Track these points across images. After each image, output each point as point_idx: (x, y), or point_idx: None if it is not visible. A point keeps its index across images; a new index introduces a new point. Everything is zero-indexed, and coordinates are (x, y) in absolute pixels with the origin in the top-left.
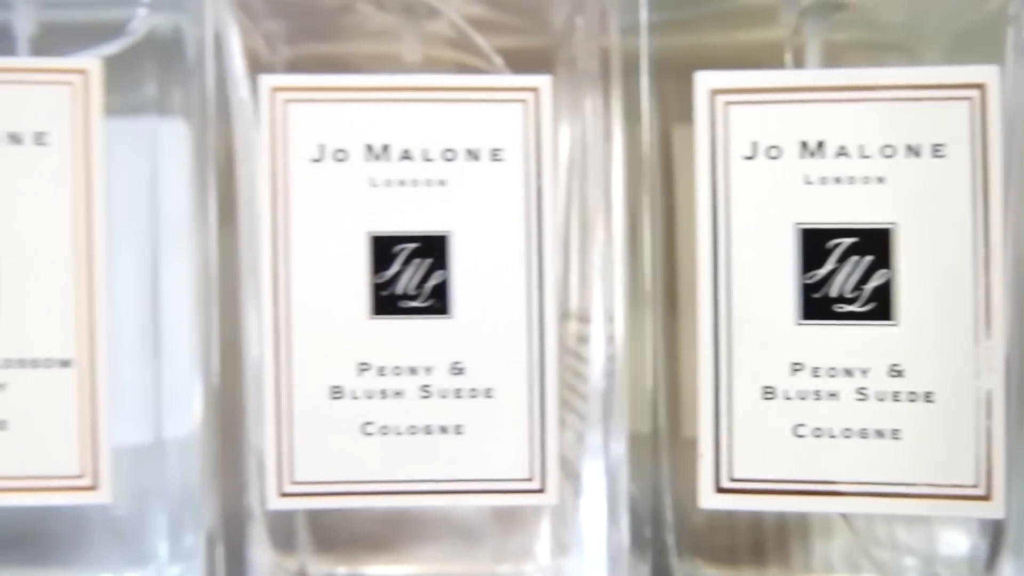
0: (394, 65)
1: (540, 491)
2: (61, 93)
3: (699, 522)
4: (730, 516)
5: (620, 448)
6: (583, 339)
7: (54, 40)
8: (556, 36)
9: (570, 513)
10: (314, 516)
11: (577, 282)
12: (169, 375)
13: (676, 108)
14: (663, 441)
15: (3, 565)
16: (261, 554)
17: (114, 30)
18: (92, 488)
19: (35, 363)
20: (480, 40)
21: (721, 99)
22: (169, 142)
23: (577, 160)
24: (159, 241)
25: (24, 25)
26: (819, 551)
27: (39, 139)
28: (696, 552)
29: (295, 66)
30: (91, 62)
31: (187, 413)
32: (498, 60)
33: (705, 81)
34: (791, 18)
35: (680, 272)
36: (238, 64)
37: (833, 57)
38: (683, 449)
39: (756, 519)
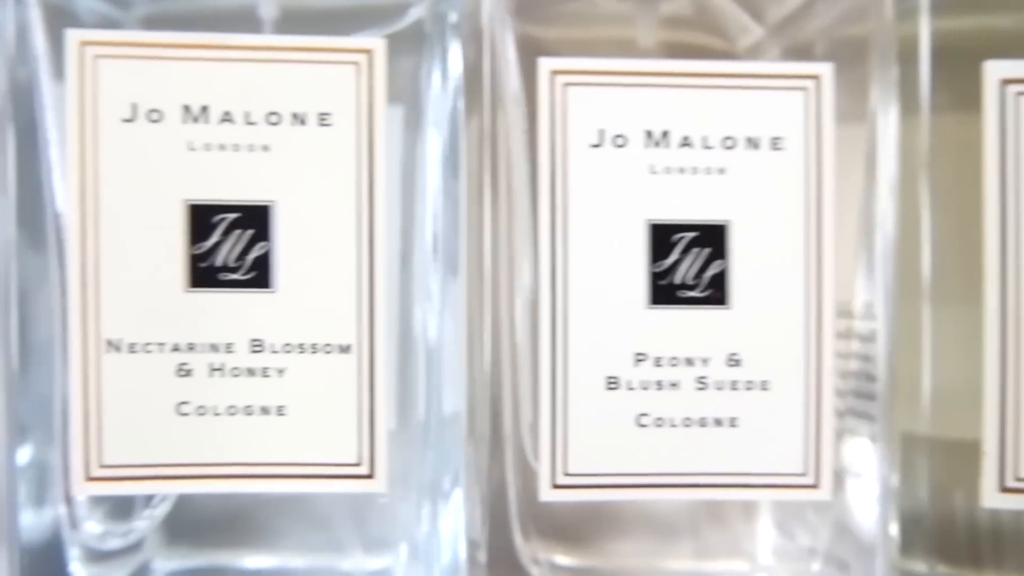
0: (628, 50)
1: (814, 487)
2: (345, 73)
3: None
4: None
5: (889, 448)
6: (858, 335)
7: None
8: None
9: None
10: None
11: (853, 275)
12: (433, 362)
13: (950, 97)
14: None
15: (268, 542)
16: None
17: (388, 15)
18: (369, 476)
19: (315, 348)
20: (741, 14)
21: (1012, 89)
22: (430, 129)
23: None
24: (423, 226)
25: (268, 10)
26: None
27: (323, 120)
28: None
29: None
30: (376, 42)
31: (451, 401)
32: (756, 30)
33: (995, 70)
34: None
35: (942, 266)
36: (510, 49)
37: None
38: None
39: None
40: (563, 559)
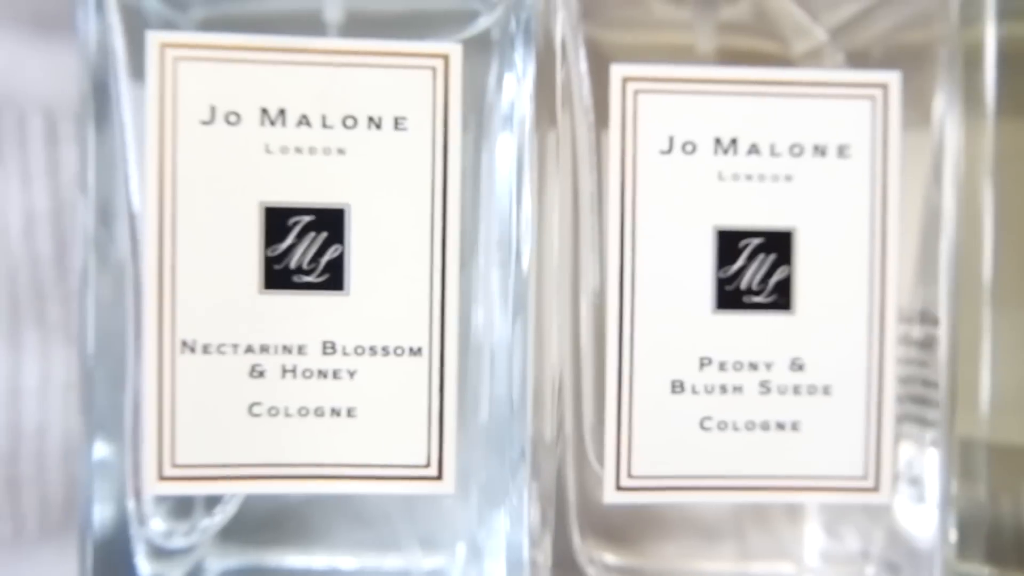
0: (686, 56)
1: (874, 489)
2: (422, 77)
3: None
4: None
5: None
6: (920, 341)
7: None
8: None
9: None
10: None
11: (917, 281)
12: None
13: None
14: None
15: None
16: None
17: (461, 22)
18: (437, 478)
19: (386, 351)
20: (803, 17)
21: None
22: (500, 134)
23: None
24: (490, 229)
25: (333, 13)
26: None
27: (398, 124)
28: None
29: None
30: (452, 47)
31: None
32: (821, 34)
33: None
34: None
35: (1005, 270)
36: (581, 55)
37: None
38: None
39: None
40: (612, 559)
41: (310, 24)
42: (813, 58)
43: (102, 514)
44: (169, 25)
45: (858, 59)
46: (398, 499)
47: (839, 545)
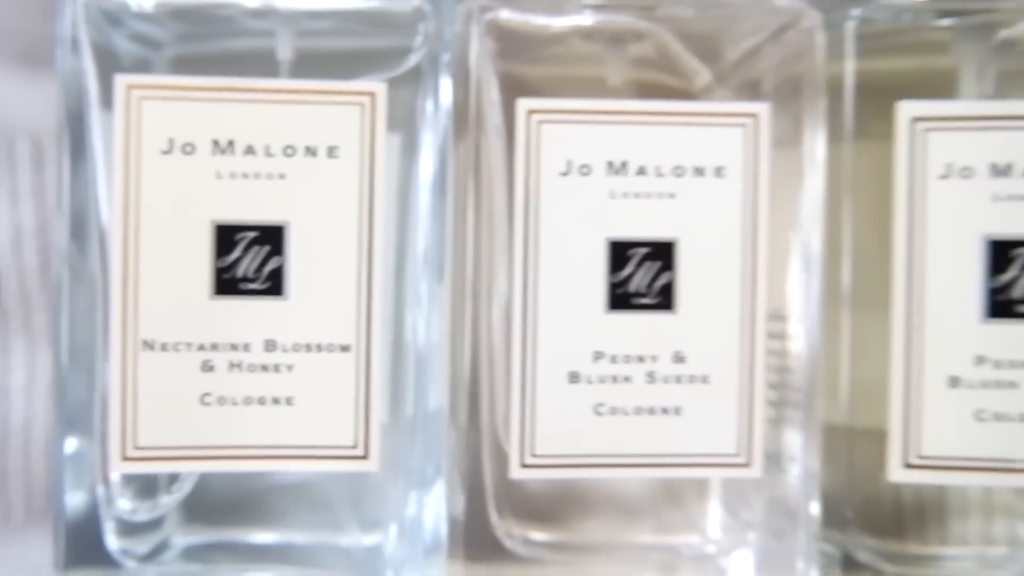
0: (598, 88)
1: (746, 465)
2: (352, 112)
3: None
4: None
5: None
6: (782, 336)
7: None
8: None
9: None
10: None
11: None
12: (421, 359)
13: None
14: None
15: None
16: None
17: (394, 58)
18: (364, 458)
19: (320, 348)
20: (694, 61)
21: (920, 126)
22: (423, 155)
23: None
24: (415, 240)
25: (284, 52)
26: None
27: (331, 152)
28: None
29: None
30: (379, 86)
31: (435, 395)
32: (707, 76)
33: (907, 110)
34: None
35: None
36: (494, 88)
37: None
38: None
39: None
40: (538, 535)
41: (265, 61)
42: (710, 91)
43: (75, 499)
44: (144, 63)
45: (750, 89)
46: (342, 485)
47: (734, 518)
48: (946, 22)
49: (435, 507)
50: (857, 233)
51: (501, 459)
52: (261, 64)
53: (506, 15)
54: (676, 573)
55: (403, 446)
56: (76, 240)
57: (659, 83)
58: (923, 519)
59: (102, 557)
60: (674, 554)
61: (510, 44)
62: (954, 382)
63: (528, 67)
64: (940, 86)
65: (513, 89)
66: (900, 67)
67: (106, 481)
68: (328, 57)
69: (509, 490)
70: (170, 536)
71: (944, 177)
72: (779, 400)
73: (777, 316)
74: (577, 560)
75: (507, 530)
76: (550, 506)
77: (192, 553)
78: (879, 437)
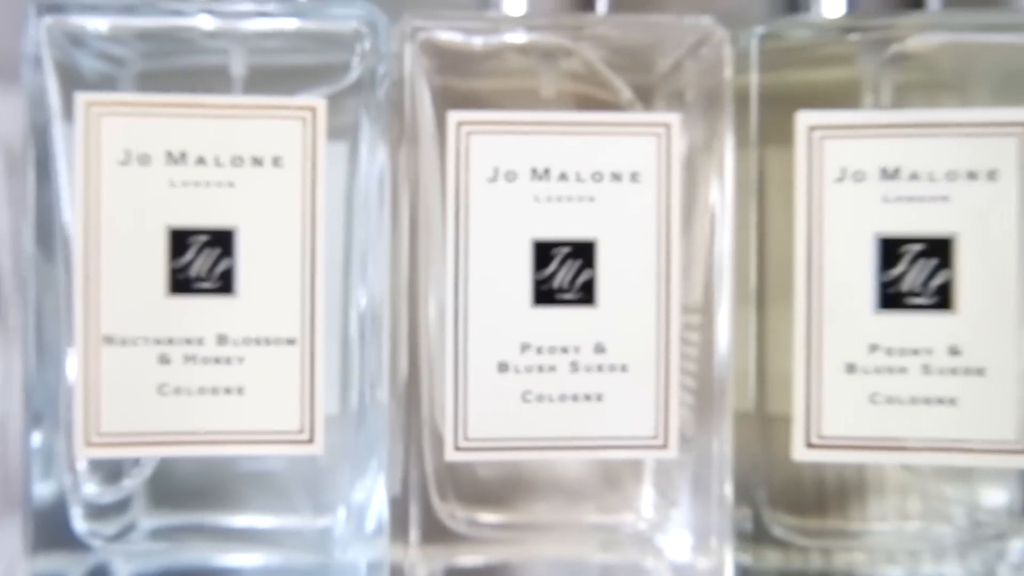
0: (532, 100)
1: (663, 447)
2: (294, 125)
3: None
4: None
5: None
6: (693, 327)
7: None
8: (659, 76)
9: (680, 473)
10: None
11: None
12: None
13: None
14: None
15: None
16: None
17: (334, 73)
18: (309, 442)
19: (267, 341)
20: (615, 79)
21: (817, 133)
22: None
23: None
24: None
25: (238, 69)
26: (878, 503)
27: (276, 162)
28: (781, 505)
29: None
30: (319, 101)
31: (374, 385)
32: (628, 93)
33: (805, 119)
34: (870, 64)
35: (771, 273)
36: (427, 100)
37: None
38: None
39: (825, 478)
40: (484, 517)
41: (221, 77)
42: (632, 105)
43: (44, 488)
44: (110, 79)
45: (678, 99)
46: (297, 474)
47: (664, 498)
48: (850, 38)
49: (380, 492)
50: (767, 233)
51: (440, 445)
52: (217, 79)
53: (441, 34)
54: (615, 549)
55: (350, 436)
56: (42, 244)
57: (591, 95)
58: (832, 496)
59: (70, 540)
60: (613, 532)
61: (447, 60)
62: (851, 368)
63: (466, 81)
64: (847, 97)
65: (453, 102)
66: (808, 79)
67: (72, 468)
68: (277, 72)
69: (458, 475)
70: (137, 519)
71: (839, 180)
72: (696, 388)
73: (692, 310)
74: (521, 539)
75: (450, 512)
76: (499, 491)
77: (158, 534)
78: (781, 421)
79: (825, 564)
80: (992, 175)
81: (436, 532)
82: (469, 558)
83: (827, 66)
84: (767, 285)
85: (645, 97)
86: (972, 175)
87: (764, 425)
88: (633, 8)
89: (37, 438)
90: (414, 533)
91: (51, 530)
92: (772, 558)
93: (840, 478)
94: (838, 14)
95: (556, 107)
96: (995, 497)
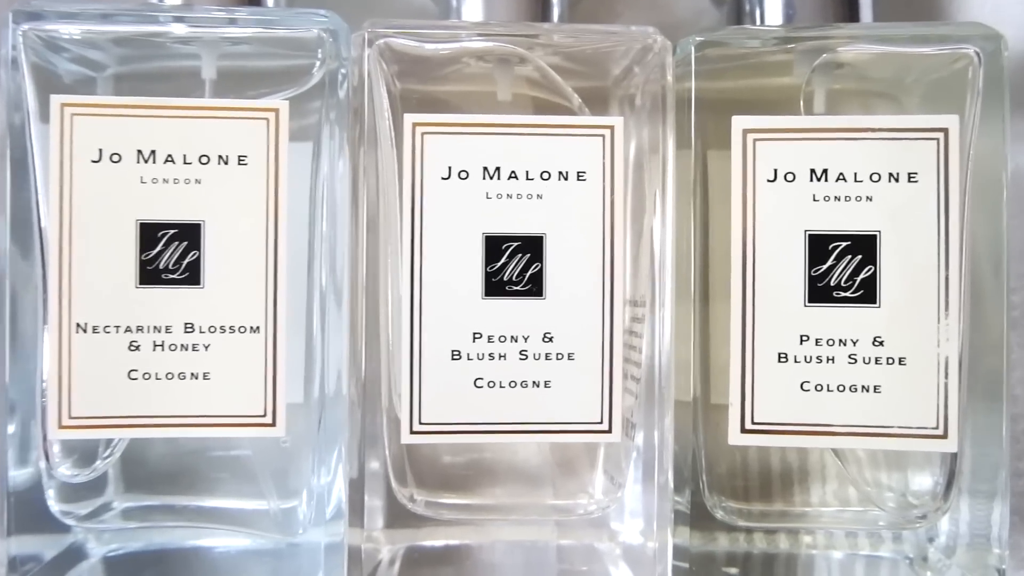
0: (490, 103)
1: (608, 431)
2: (259, 126)
3: (723, 467)
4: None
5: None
6: (639, 320)
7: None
8: (613, 81)
9: (626, 459)
10: (415, 460)
11: (635, 275)
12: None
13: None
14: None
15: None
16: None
17: (297, 76)
18: (272, 425)
19: (232, 329)
20: (564, 85)
21: (750, 136)
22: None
23: (637, 179)
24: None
25: (208, 72)
26: (815, 489)
27: (241, 160)
28: (720, 490)
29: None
30: (282, 103)
31: (336, 375)
32: (577, 99)
33: (739, 123)
34: (803, 72)
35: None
36: (385, 103)
37: (834, 103)
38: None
39: (767, 465)
40: (445, 499)
41: (193, 79)
42: (588, 104)
43: (21, 472)
44: (89, 81)
45: (629, 102)
46: (263, 458)
47: (611, 482)
48: (787, 47)
49: (340, 477)
50: (709, 231)
51: (398, 430)
52: (190, 81)
53: (399, 40)
54: (571, 531)
55: (313, 424)
56: (18, 240)
57: (547, 99)
58: (774, 482)
59: (46, 520)
60: (568, 513)
61: (406, 66)
62: (782, 358)
63: (426, 85)
64: (784, 103)
65: (415, 105)
66: (748, 86)
67: (47, 452)
68: (246, 75)
69: (419, 461)
70: (112, 500)
71: (772, 181)
72: (641, 377)
73: (638, 303)
74: (481, 520)
75: (409, 494)
76: (462, 477)
77: (130, 513)
78: (718, 409)
79: (767, 546)
80: (913, 177)
81: (396, 515)
82: (429, 540)
83: (766, 74)
84: (710, 280)
85: (601, 101)
86: (894, 177)
87: (707, 413)
88: (595, 18)
89: (16, 423)
90: (373, 516)
91: (27, 512)
92: (714, 541)
93: (782, 464)
94: (777, 24)
95: (513, 111)
96: (921, 482)
